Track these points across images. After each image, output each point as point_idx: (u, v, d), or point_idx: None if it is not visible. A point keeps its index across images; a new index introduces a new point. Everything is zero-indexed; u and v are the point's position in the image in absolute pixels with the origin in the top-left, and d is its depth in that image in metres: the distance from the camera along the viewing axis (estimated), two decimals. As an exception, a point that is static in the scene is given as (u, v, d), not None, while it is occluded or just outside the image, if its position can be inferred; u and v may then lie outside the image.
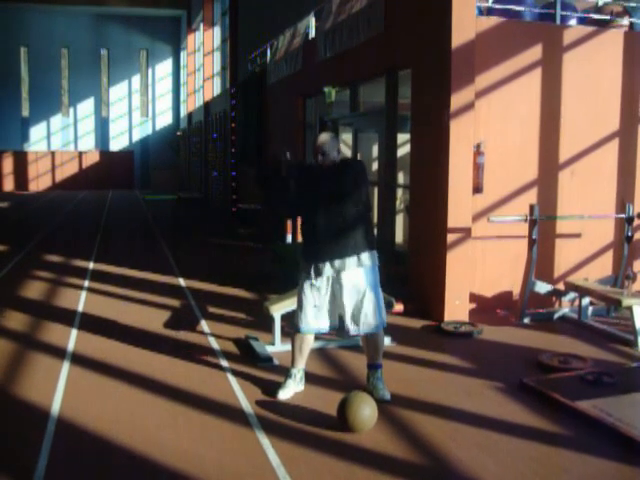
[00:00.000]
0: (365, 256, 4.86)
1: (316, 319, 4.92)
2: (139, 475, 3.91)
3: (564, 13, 8.09)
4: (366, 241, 4.88)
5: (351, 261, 4.82)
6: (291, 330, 5.12)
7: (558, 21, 7.91)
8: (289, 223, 11.08)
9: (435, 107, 7.32)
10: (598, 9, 8.93)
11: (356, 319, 4.86)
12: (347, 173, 4.83)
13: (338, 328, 5.12)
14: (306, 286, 4.91)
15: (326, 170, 4.87)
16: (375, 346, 5.00)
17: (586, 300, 7.18)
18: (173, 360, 5.89)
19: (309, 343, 5.04)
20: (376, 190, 9.44)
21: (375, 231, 9.36)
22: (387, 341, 6.05)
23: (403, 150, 8.97)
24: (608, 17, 8.48)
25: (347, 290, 4.83)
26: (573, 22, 8.33)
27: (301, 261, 5.01)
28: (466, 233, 7.15)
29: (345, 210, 4.81)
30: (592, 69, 7.78)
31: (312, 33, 12.41)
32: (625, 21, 8.52)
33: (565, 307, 7.62)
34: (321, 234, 4.83)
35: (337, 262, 4.80)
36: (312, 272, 4.86)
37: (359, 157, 10.55)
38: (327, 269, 4.82)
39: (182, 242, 14.34)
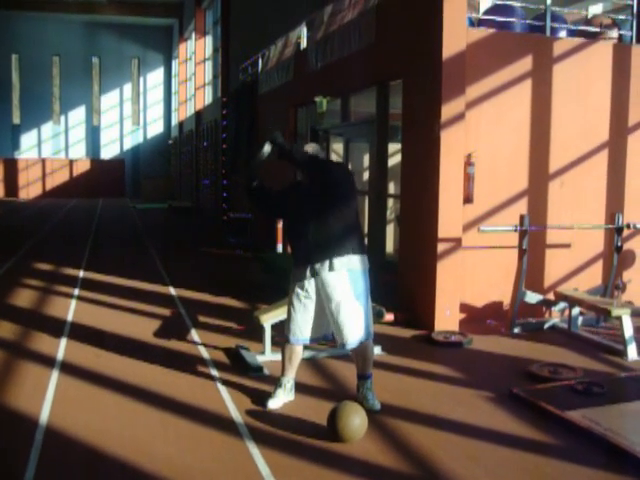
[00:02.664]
0: (356, 259, 4.84)
1: (306, 330, 4.92)
2: (128, 485, 3.89)
3: (554, 25, 8.14)
4: (356, 244, 4.88)
5: (342, 261, 4.77)
6: (281, 340, 5.12)
7: (548, 33, 7.97)
8: (280, 232, 11.08)
9: (426, 117, 7.35)
10: (587, 21, 9.00)
11: (343, 332, 4.82)
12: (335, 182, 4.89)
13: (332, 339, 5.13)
14: (296, 297, 4.91)
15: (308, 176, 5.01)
16: (364, 357, 4.98)
17: (576, 310, 7.20)
18: (163, 369, 5.86)
19: (299, 353, 5.04)
20: (367, 200, 9.46)
21: (366, 241, 9.38)
22: (377, 350, 6.05)
23: (394, 160, 9.00)
24: (597, 29, 8.54)
25: (334, 300, 4.77)
26: (563, 34, 8.39)
27: (293, 269, 5.00)
28: (456, 243, 7.17)
29: (336, 214, 4.82)
30: (582, 80, 7.84)
31: (304, 43, 12.44)
32: (614, 33, 8.58)
33: (555, 317, 7.65)
34: (310, 239, 4.83)
35: (327, 262, 4.77)
36: (306, 274, 4.85)
37: (350, 166, 10.57)
38: (318, 268, 4.80)
39: (172, 251, 14.31)
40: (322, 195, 4.84)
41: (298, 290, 4.90)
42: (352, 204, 4.95)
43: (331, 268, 4.77)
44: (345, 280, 4.79)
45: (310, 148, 5.17)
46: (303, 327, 4.92)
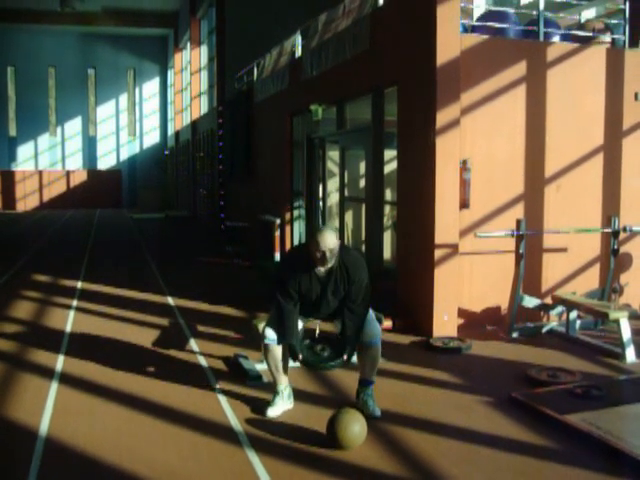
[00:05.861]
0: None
1: (280, 331, 4.88)
2: (128, 495, 3.89)
3: (547, 30, 8.19)
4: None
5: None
6: (261, 347, 5.08)
7: (541, 38, 8.01)
8: (277, 241, 11.09)
9: (421, 124, 7.38)
10: (581, 26, 9.05)
11: (370, 331, 4.92)
12: (353, 282, 4.82)
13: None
14: (278, 310, 4.91)
15: (326, 273, 4.83)
16: (373, 361, 4.99)
17: (574, 314, 7.22)
18: (162, 379, 5.86)
19: (277, 355, 4.94)
20: (363, 207, 9.47)
21: (363, 247, 9.40)
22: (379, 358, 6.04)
23: (390, 167, 9.02)
24: (590, 34, 8.59)
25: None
26: (556, 39, 8.44)
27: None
28: (453, 249, 7.18)
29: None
30: (576, 85, 7.87)
31: (298, 51, 12.48)
32: (607, 38, 8.64)
33: (553, 321, 7.66)
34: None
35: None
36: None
37: (346, 176, 10.59)
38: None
39: (170, 260, 14.31)
40: (334, 303, 4.90)
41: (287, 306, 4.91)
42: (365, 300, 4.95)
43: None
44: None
45: (330, 241, 4.70)
46: (278, 329, 4.88)
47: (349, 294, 4.83)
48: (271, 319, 4.97)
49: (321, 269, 4.80)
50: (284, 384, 5.04)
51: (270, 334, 4.91)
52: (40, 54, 34.82)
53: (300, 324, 5.08)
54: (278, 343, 4.88)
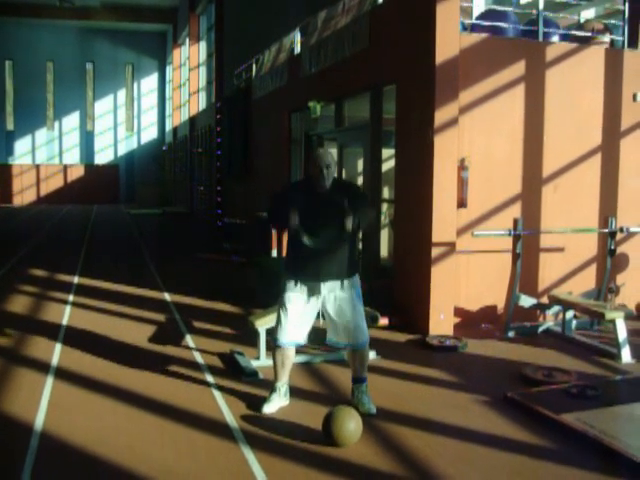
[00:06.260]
0: (351, 280, 4.94)
1: (295, 331, 4.93)
2: (123, 491, 3.89)
3: (546, 30, 8.19)
4: (353, 264, 4.99)
5: (339, 284, 4.89)
6: (271, 344, 5.13)
7: (541, 38, 8.01)
8: (274, 238, 11.08)
9: (419, 122, 7.38)
10: (580, 26, 9.06)
11: (357, 333, 4.92)
12: (351, 197, 4.82)
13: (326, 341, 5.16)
14: (287, 298, 4.93)
15: (327, 192, 4.86)
16: (362, 360, 5.02)
17: (570, 313, 7.23)
18: (158, 375, 5.86)
19: (290, 357, 5.03)
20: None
21: (360, 245, 9.39)
22: (372, 355, 6.05)
23: (388, 165, 9.02)
24: (589, 34, 8.60)
25: (346, 311, 4.91)
26: (555, 39, 8.44)
27: (284, 273, 5.02)
28: (450, 247, 7.19)
29: (342, 234, 4.82)
30: (574, 85, 7.88)
31: (297, 48, 12.47)
32: (606, 38, 8.64)
33: (549, 321, 7.67)
34: (313, 253, 4.85)
35: (326, 284, 4.87)
36: (298, 288, 4.89)
37: (344, 173, 10.60)
38: (315, 288, 4.87)
39: (167, 256, 14.30)
40: (336, 217, 4.78)
41: (292, 295, 4.91)
42: (357, 224, 4.91)
43: (341, 288, 4.89)
44: (352, 294, 4.93)
45: (325, 153, 4.97)
46: (293, 330, 4.93)
47: (354, 202, 4.77)
48: (279, 320, 4.95)
49: (320, 190, 4.85)
50: (283, 381, 5.05)
51: (283, 337, 4.92)
52: (38, 48, 34.74)
53: (309, 325, 5.05)
54: (272, 220, 5.03)
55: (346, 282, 4.91)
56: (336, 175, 4.98)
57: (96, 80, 36.34)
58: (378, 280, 8.34)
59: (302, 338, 5.03)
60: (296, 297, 4.91)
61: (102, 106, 36.54)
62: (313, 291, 4.89)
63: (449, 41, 7.10)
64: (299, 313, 4.92)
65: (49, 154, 35.85)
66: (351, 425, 4.32)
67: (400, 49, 8.00)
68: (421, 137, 7.31)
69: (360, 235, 9.26)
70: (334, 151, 10.81)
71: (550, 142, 7.77)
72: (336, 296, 4.90)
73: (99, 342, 6.99)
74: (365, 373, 5.05)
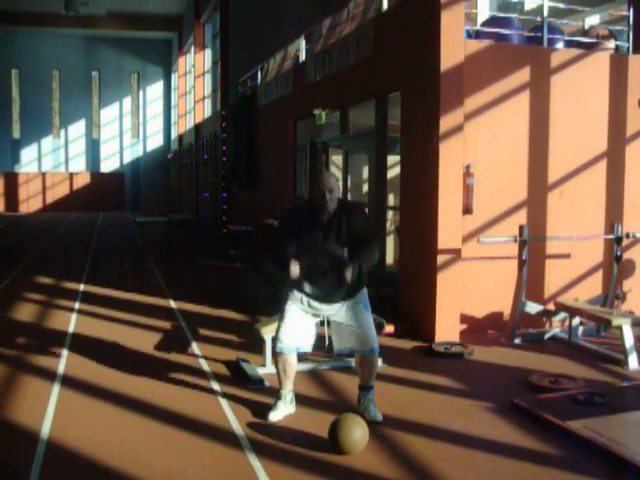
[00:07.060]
0: (359, 294, 4.96)
1: (294, 338, 4.92)
2: (129, 499, 3.89)
3: (551, 36, 8.19)
4: (360, 283, 4.91)
5: (345, 302, 4.90)
6: (273, 352, 5.11)
7: (545, 44, 8.00)
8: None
9: (424, 129, 7.38)
10: (584, 32, 9.06)
11: (367, 339, 4.90)
12: (354, 221, 4.81)
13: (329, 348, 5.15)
14: (287, 306, 4.93)
15: (329, 216, 4.81)
16: (370, 367, 4.99)
17: (576, 320, 7.21)
18: (164, 382, 5.86)
19: (291, 363, 4.99)
20: (366, 212, 9.46)
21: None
22: (379, 363, 6.04)
23: (393, 172, 9.03)
24: (594, 40, 8.59)
25: (356, 320, 4.91)
26: (560, 45, 8.44)
27: (287, 284, 5.00)
28: (456, 254, 7.18)
29: (345, 254, 4.83)
30: (579, 91, 7.87)
31: (302, 56, 12.50)
32: (611, 44, 8.64)
33: (556, 327, 7.64)
34: (315, 273, 4.85)
35: (330, 305, 4.89)
36: (301, 301, 4.90)
37: (349, 180, 10.61)
38: (320, 307, 4.90)
39: (173, 264, 14.32)
40: (340, 241, 4.81)
41: (294, 304, 4.91)
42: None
43: (353, 301, 4.92)
44: (360, 305, 4.95)
45: (328, 178, 4.88)
46: (293, 337, 4.91)
47: (355, 232, 4.78)
48: (280, 326, 4.95)
49: (323, 215, 4.79)
50: (288, 389, 5.04)
51: (283, 342, 4.90)
52: (44, 57, 34.92)
53: (313, 332, 5.05)
54: (275, 261, 4.88)
55: (352, 298, 4.92)
56: (341, 194, 4.90)
57: (102, 88, 36.50)
58: (384, 287, 8.33)
59: (304, 345, 4.99)
60: (297, 306, 4.91)
61: (108, 114, 36.68)
62: (317, 312, 4.93)
63: (454, 48, 7.10)
64: (300, 320, 4.91)
65: (55, 162, 35.98)
66: (357, 433, 4.31)
67: (405, 56, 8.01)
68: (426, 144, 7.31)
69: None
70: (339, 158, 10.84)
71: (555, 148, 7.77)
72: (343, 309, 4.92)
73: (105, 350, 7.00)
74: (373, 381, 5.03)
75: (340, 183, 10.81)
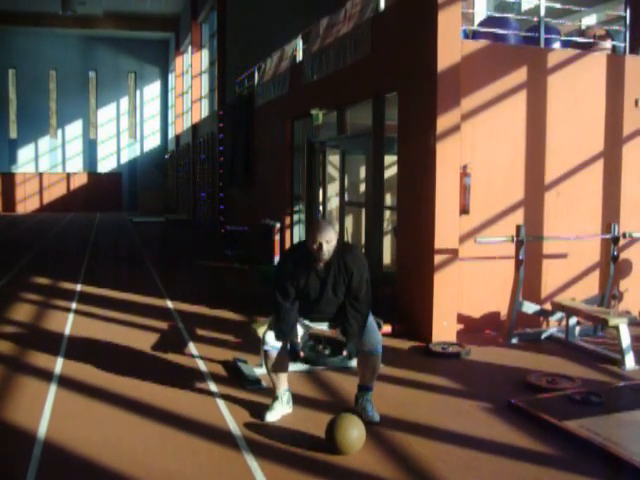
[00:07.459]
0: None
1: (279, 338, 4.89)
2: (126, 499, 3.88)
3: (548, 36, 8.20)
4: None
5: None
6: (261, 352, 5.10)
7: (542, 44, 8.01)
8: (277, 245, 11.10)
9: (421, 129, 7.38)
10: (581, 32, 9.07)
11: (371, 339, 4.91)
12: (351, 274, 4.78)
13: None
14: (279, 305, 4.91)
15: (326, 265, 4.78)
16: (373, 367, 4.98)
17: (573, 320, 7.21)
18: (161, 383, 5.85)
19: (277, 361, 4.92)
20: (363, 212, 9.48)
21: (363, 252, 9.39)
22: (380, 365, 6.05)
23: (390, 172, 9.03)
24: (591, 40, 8.60)
25: None
26: (557, 45, 8.44)
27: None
28: (453, 254, 7.18)
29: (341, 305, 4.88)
30: (576, 91, 7.88)
31: (299, 56, 12.50)
32: (607, 44, 8.65)
33: (552, 327, 7.65)
34: (314, 317, 4.97)
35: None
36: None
37: (346, 181, 10.60)
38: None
39: (170, 264, 14.31)
40: (336, 295, 4.84)
41: (286, 304, 4.91)
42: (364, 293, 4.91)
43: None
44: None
45: (326, 230, 4.71)
46: (276, 327, 4.87)
47: (349, 289, 4.80)
48: (271, 325, 4.96)
49: (320, 264, 4.76)
50: (283, 389, 5.03)
51: (270, 340, 4.90)
52: (41, 57, 34.84)
53: (302, 330, 5.07)
54: (277, 339, 4.85)
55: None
56: (338, 237, 4.79)
57: (99, 88, 36.43)
58: (381, 287, 8.33)
59: (290, 343, 4.89)
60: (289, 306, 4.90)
61: (105, 114, 36.62)
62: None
63: (451, 48, 7.10)
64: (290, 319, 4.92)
65: (52, 162, 35.91)
66: (354, 433, 4.31)
67: (402, 56, 8.01)
68: (423, 144, 7.31)
69: (363, 242, 9.26)
70: (336, 158, 10.84)
71: (552, 148, 7.77)
72: None
73: (102, 350, 6.99)
74: (373, 382, 5.03)
75: (337, 183, 10.82)
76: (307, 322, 5.05)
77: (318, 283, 4.81)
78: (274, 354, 4.91)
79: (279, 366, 4.97)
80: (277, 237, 12.38)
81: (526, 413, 5.01)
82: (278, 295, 4.86)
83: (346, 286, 4.80)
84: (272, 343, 4.89)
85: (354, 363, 5.06)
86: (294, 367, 5.30)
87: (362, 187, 10.10)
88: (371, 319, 4.98)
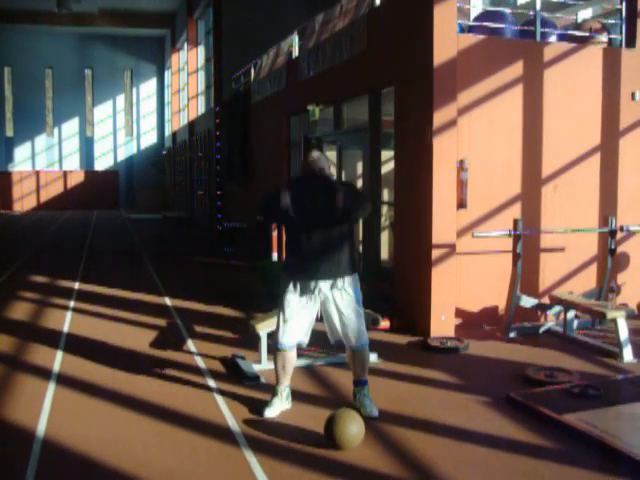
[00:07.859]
0: (350, 279, 4.93)
1: (295, 334, 4.95)
2: (126, 496, 3.89)
3: (544, 30, 8.19)
4: (351, 263, 4.96)
5: (338, 282, 4.87)
6: (272, 347, 5.13)
7: (538, 38, 8.01)
8: (275, 241, 11.09)
9: (418, 124, 7.38)
10: (577, 26, 9.06)
11: (356, 334, 4.92)
12: (346, 190, 4.87)
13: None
14: (285, 301, 4.93)
15: (323, 184, 4.90)
16: (362, 362, 5.01)
17: (571, 313, 7.22)
18: (159, 380, 5.86)
19: (291, 360, 5.02)
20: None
21: (360, 248, 9.40)
22: (373, 357, 6.05)
23: (387, 167, 9.02)
24: (587, 34, 8.60)
25: (344, 312, 4.90)
26: (553, 39, 8.44)
27: (283, 275, 5.02)
28: (451, 249, 7.19)
29: (338, 228, 4.86)
30: (572, 85, 7.88)
31: (295, 52, 12.49)
32: (604, 37, 8.64)
33: (550, 321, 7.66)
34: (310, 251, 4.85)
35: (324, 282, 4.86)
36: (297, 289, 4.89)
37: (343, 175, 10.60)
38: (313, 287, 4.86)
39: (168, 261, 14.30)
40: (332, 208, 4.81)
41: (291, 297, 4.91)
42: (352, 221, 5.03)
43: (340, 288, 4.88)
44: (351, 295, 4.92)
45: (317, 154, 5.05)
46: (293, 333, 4.94)
47: (347, 197, 4.80)
48: (279, 322, 4.96)
49: (316, 186, 4.89)
50: (284, 385, 5.04)
51: (284, 338, 4.92)
52: (37, 54, 34.75)
53: (309, 326, 5.06)
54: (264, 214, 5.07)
55: (345, 281, 4.89)
56: (330, 172, 5.06)
57: (95, 86, 36.36)
58: (379, 282, 8.34)
59: (303, 339, 5.04)
60: (295, 299, 4.91)
61: (101, 112, 36.55)
62: (311, 291, 4.88)
63: (447, 43, 7.10)
64: (298, 315, 4.92)
65: (49, 160, 35.85)
66: (353, 428, 4.32)
67: (398, 51, 8.00)
68: (420, 139, 7.31)
69: (360, 237, 9.27)
70: (333, 154, 10.83)
71: (549, 142, 7.78)
72: (335, 297, 4.89)
73: (100, 348, 6.99)
74: (366, 375, 5.04)
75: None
76: (311, 283, 4.92)
77: (311, 190, 4.91)
78: (289, 355, 4.97)
79: (290, 364, 5.02)
80: (275, 233, 12.35)
81: (524, 407, 5.01)
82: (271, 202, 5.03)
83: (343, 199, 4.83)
84: (285, 343, 4.92)
85: (345, 358, 5.05)
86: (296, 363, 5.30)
87: (359, 182, 10.09)
88: (359, 310, 4.97)
